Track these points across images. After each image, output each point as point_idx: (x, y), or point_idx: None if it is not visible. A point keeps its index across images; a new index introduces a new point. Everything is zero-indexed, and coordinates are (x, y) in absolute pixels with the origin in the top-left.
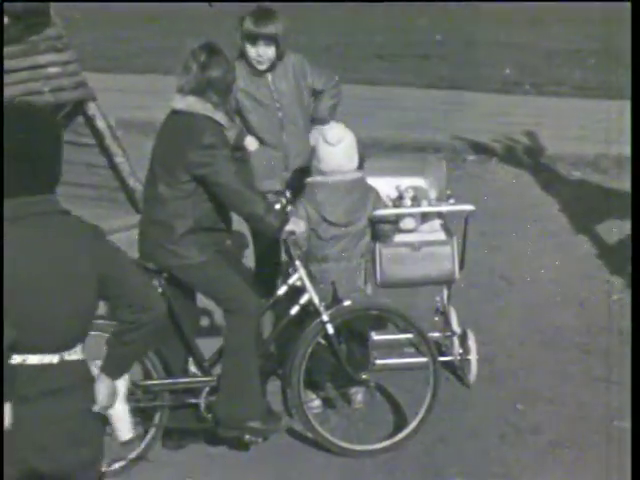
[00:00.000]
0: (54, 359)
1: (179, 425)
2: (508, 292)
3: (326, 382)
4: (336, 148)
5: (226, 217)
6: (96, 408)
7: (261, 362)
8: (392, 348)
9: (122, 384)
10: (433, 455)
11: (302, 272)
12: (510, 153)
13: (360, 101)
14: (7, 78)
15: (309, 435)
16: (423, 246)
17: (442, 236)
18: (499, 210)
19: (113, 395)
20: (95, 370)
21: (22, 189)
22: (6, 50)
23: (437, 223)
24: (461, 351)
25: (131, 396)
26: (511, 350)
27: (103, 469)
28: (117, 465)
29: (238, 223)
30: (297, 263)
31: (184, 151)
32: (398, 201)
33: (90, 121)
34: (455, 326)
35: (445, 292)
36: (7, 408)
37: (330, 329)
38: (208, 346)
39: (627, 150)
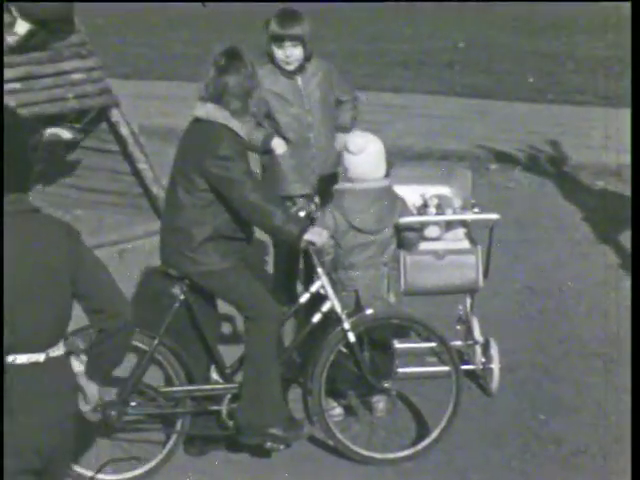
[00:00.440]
0: (40, 357)
1: (200, 432)
2: (531, 301)
3: (348, 390)
4: (358, 157)
5: (246, 226)
6: (88, 408)
7: (283, 369)
8: (414, 357)
9: None
10: (454, 463)
11: (324, 280)
12: (533, 162)
13: (384, 108)
14: (32, 84)
15: (330, 443)
16: (447, 254)
17: (466, 245)
18: (523, 219)
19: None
20: (77, 365)
21: None
22: (31, 56)
23: (461, 232)
24: (483, 360)
25: (153, 402)
26: (533, 359)
27: (126, 475)
28: (139, 471)
29: (259, 231)
30: (319, 271)
31: (201, 160)
32: (423, 209)
33: (114, 127)
34: (478, 335)
35: (468, 301)
36: None
37: (351, 337)
38: (231, 353)
39: None
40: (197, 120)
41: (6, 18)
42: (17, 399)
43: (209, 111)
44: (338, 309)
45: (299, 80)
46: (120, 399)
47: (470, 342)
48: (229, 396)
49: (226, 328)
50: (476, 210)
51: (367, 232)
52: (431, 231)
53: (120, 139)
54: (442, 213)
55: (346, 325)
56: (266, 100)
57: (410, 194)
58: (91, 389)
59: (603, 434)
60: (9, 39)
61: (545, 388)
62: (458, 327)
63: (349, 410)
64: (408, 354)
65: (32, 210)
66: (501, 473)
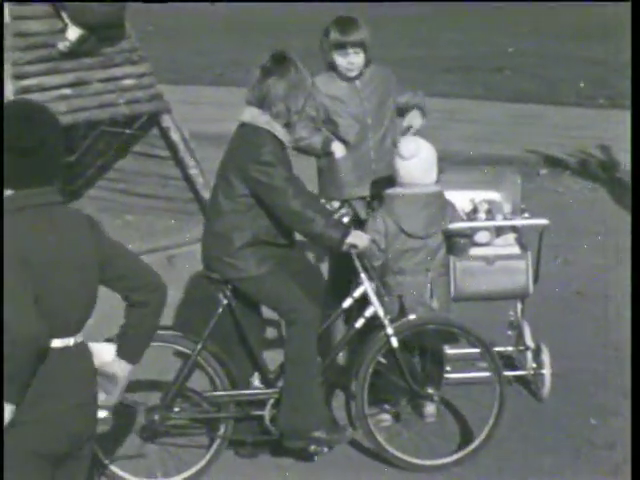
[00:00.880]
0: (70, 342)
1: (244, 437)
2: (582, 306)
3: (392, 396)
4: (409, 162)
5: (287, 231)
6: (116, 394)
7: (327, 373)
8: (459, 362)
9: None
10: (506, 470)
11: (367, 285)
12: (584, 167)
13: (433, 114)
14: (82, 90)
15: (373, 448)
16: (497, 260)
17: (516, 250)
18: (573, 224)
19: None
20: (107, 353)
21: (23, 182)
22: (82, 62)
23: (512, 237)
24: (535, 365)
25: (196, 407)
26: (585, 365)
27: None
28: (184, 475)
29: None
30: (362, 276)
31: (242, 164)
32: (473, 214)
33: (164, 133)
34: (529, 340)
35: (519, 306)
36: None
37: (394, 342)
38: (277, 358)
39: None
40: (242, 124)
41: (57, 24)
42: (52, 383)
43: (253, 115)
44: (381, 314)
45: (357, 83)
46: (164, 404)
47: (521, 347)
48: (272, 401)
49: (272, 333)
50: (526, 215)
51: (417, 237)
52: (481, 236)
53: (171, 145)
54: (492, 218)
55: (389, 330)
56: (324, 105)
57: (460, 199)
58: (123, 369)
59: None
60: (60, 45)
61: (596, 393)
62: (509, 333)
63: (394, 416)
64: (453, 360)
65: (59, 203)
66: (554, 479)
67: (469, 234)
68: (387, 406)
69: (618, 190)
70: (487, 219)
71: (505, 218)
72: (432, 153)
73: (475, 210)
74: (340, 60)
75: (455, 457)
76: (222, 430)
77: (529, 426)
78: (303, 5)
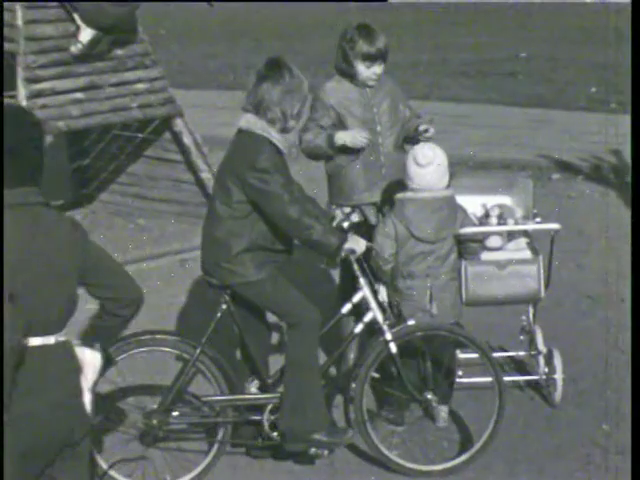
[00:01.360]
0: (51, 340)
1: (243, 442)
2: (594, 311)
3: (391, 401)
4: (426, 169)
5: (285, 238)
6: (95, 377)
7: (327, 378)
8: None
9: None
10: (518, 475)
11: (366, 290)
12: (596, 171)
13: (445, 118)
14: (95, 94)
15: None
16: (509, 264)
17: (528, 255)
18: (585, 229)
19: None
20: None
21: (4, 182)
22: (94, 66)
23: (523, 241)
24: (547, 370)
25: (195, 411)
26: (597, 370)
27: None
28: None
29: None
30: (361, 281)
31: (239, 171)
32: (484, 219)
33: (177, 137)
34: (541, 345)
35: (531, 311)
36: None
37: (393, 348)
38: (276, 363)
39: None
40: (240, 131)
41: (70, 28)
42: (31, 380)
43: (249, 121)
44: (380, 320)
45: (367, 90)
46: (162, 408)
47: (533, 352)
48: (270, 406)
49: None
50: (538, 220)
51: (427, 241)
52: (493, 241)
53: (183, 149)
54: (504, 223)
55: (388, 336)
56: (335, 109)
57: (472, 204)
58: (97, 358)
59: None
60: (72, 47)
61: (608, 398)
62: (521, 337)
63: (393, 421)
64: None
65: (41, 204)
66: None
67: (480, 239)
68: (386, 412)
69: (629, 195)
70: (499, 224)
71: (517, 223)
72: (444, 159)
73: (487, 215)
74: (363, 70)
75: (454, 463)
76: (221, 435)
77: (541, 431)
78: (313, 7)
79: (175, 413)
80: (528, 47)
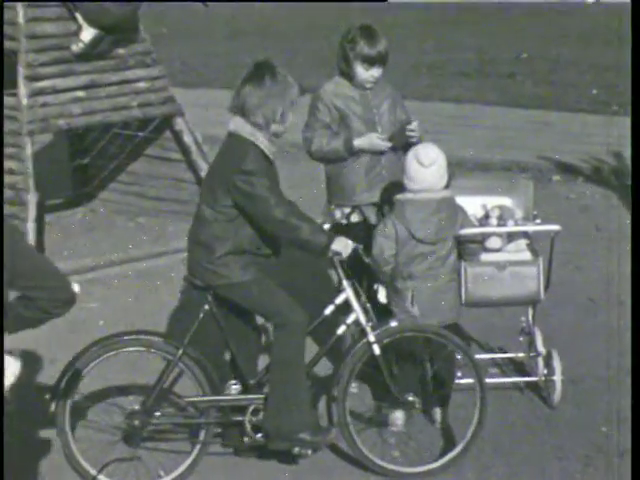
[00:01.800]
0: None
1: (226, 442)
2: (594, 313)
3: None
4: (428, 169)
5: (271, 242)
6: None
7: (311, 379)
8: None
9: None
10: (517, 476)
11: (349, 292)
12: (596, 173)
13: (446, 119)
14: (96, 92)
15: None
16: (509, 266)
17: (528, 256)
18: (585, 230)
19: None
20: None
21: None
22: (96, 64)
23: (523, 243)
24: (546, 372)
25: (177, 412)
26: (596, 372)
27: None
28: None
29: None
30: (344, 283)
31: (226, 174)
32: (484, 220)
33: (177, 136)
34: (540, 346)
35: (530, 312)
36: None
37: (376, 350)
38: (259, 364)
39: None
40: (229, 134)
41: (71, 25)
42: None
43: (237, 125)
44: (363, 321)
45: (368, 91)
46: (144, 408)
47: (532, 354)
48: (253, 407)
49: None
50: (538, 221)
51: (428, 242)
52: (492, 242)
53: (183, 148)
54: (504, 224)
55: (371, 337)
56: (337, 108)
57: (471, 205)
58: (13, 363)
59: None
60: (73, 46)
61: (607, 400)
62: (521, 338)
63: (376, 421)
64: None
65: None
66: None
67: (480, 240)
68: (370, 413)
69: (630, 197)
70: (498, 225)
71: (517, 224)
72: (445, 160)
73: (487, 216)
74: (362, 72)
75: (436, 464)
76: (203, 435)
77: (540, 433)
78: (314, 7)
79: (157, 414)
80: (529, 48)
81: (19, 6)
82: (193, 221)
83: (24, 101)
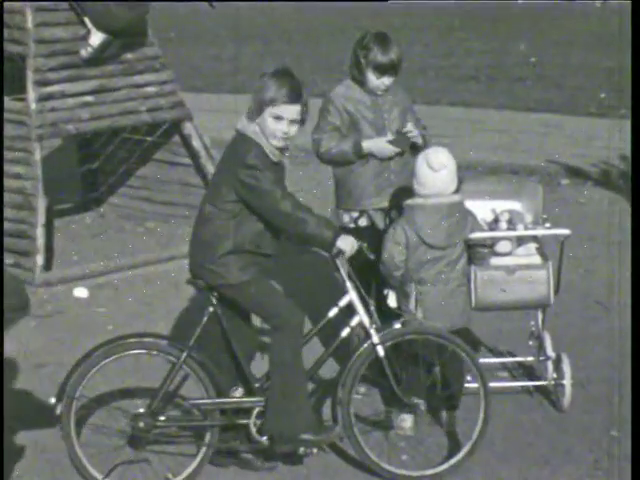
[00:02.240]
0: None
1: (230, 445)
2: (603, 317)
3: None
4: (439, 174)
5: (271, 242)
6: None
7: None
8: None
9: None
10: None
11: (352, 294)
12: (605, 177)
13: (455, 123)
14: (105, 97)
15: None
16: (518, 270)
17: (538, 260)
18: (594, 234)
19: None
20: None
21: None
22: (104, 69)
23: (533, 247)
24: (555, 376)
25: (182, 415)
26: (606, 376)
27: None
28: None
29: None
30: (347, 284)
31: (231, 170)
32: (494, 224)
33: (186, 141)
34: (550, 350)
35: (540, 316)
36: None
37: (380, 352)
38: (264, 366)
39: None
40: (236, 132)
41: (80, 31)
42: None
43: (243, 124)
44: (366, 323)
45: (379, 98)
46: (149, 411)
47: (542, 358)
48: (257, 409)
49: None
50: (547, 225)
51: (438, 247)
52: (502, 246)
53: (192, 152)
54: (513, 228)
55: (375, 339)
56: (348, 112)
57: (481, 209)
58: None
59: None
60: (82, 51)
61: (617, 404)
62: (530, 342)
63: (383, 425)
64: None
65: None
66: None
67: (490, 244)
68: (376, 416)
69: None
70: (508, 229)
71: (526, 228)
72: (455, 164)
73: (496, 220)
74: (373, 79)
75: (441, 468)
76: (208, 438)
77: (549, 436)
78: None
79: (162, 417)
80: (538, 52)
81: (28, 11)
82: (195, 221)
83: (33, 106)
